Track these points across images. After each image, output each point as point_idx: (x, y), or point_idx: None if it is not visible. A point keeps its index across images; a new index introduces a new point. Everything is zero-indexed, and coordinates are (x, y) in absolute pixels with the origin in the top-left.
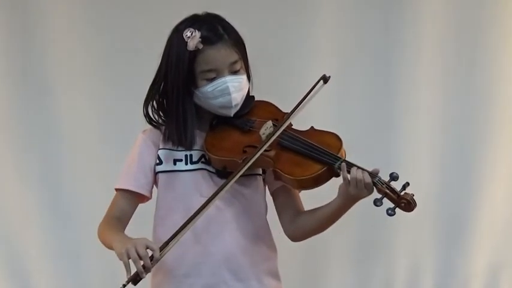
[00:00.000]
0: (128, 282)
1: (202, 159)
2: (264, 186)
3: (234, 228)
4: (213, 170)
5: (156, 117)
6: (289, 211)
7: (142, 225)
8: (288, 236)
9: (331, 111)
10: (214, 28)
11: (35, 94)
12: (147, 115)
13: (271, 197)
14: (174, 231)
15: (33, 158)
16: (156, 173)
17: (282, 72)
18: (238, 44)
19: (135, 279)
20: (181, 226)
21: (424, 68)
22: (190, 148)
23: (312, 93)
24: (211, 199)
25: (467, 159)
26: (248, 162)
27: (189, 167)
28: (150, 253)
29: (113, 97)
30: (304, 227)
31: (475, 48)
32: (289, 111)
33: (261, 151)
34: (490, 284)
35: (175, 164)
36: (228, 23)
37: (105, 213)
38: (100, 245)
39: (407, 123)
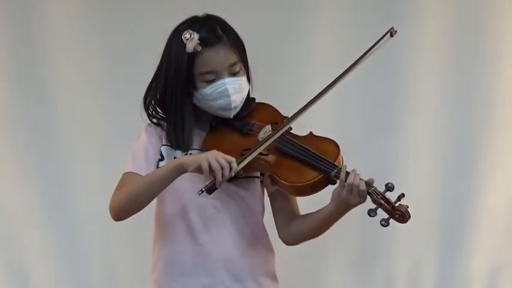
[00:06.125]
0: (205, 189)
1: None
2: (262, 189)
3: (232, 229)
4: None
5: (154, 113)
6: (284, 215)
7: (142, 224)
8: (282, 240)
9: (330, 112)
10: (213, 30)
11: (35, 94)
12: (147, 112)
13: (268, 199)
14: (250, 153)
15: (33, 158)
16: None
17: (282, 73)
18: (238, 46)
19: (212, 187)
20: (257, 145)
21: (424, 69)
22: (186, 150)
23: (377, 45)
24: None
25: (466, 160)
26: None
27: None
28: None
29: (113, 98)
30: (296, 231)
31: (476, 48)
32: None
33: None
34: (490, 286)
35: None
36: (228, 25)
37: (114, 190)
38: (100, 245)
39: (407, 123)
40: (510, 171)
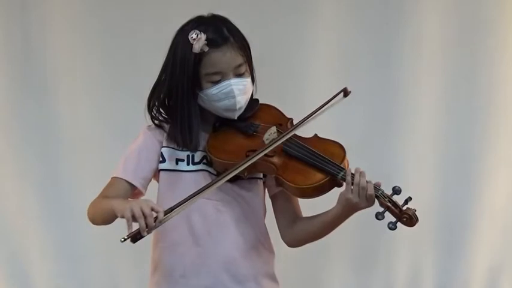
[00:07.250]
0: (128, 237)
1: (204, 161)
2: (264, 189)
3: (234, 230)
4: (215, 172)
5: (157, 114)
6: (287, 216)
7: None
8: (285, 242)
9: (331, 112)
10: (220, 30)
11: (35, 94)
12: (150, 114)
13: (270, 201)
14: (179, 204)
15: (33, 158)
16: (158, 171)
17: (283, 73)
18: (244, 47)
19: (135, 236)
20: (190, 196)
21: (424, 69)
22: (195, 150)
23: (328, 104)
24: (222, 178)
25: (466, 161)
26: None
27: (191, 167)
28: (154, 214)
29: (113, 97)
30: (300, 233)
31: (476, 49)
32: (295, 118)
33: (274, 146)
34: (490, 286)
35: (177, 163)
36: (233, 25)
37: (99, 193)
38: (100, 245)
39: (407, 124)
40: (510, 171)
